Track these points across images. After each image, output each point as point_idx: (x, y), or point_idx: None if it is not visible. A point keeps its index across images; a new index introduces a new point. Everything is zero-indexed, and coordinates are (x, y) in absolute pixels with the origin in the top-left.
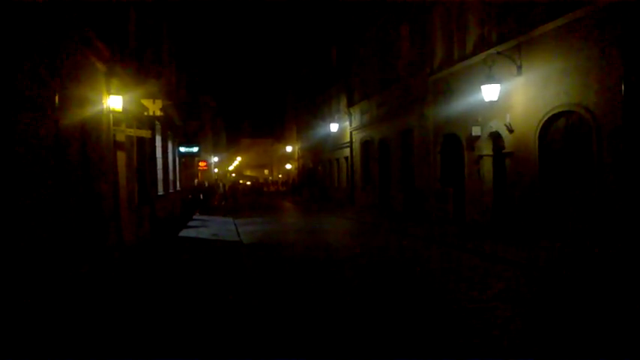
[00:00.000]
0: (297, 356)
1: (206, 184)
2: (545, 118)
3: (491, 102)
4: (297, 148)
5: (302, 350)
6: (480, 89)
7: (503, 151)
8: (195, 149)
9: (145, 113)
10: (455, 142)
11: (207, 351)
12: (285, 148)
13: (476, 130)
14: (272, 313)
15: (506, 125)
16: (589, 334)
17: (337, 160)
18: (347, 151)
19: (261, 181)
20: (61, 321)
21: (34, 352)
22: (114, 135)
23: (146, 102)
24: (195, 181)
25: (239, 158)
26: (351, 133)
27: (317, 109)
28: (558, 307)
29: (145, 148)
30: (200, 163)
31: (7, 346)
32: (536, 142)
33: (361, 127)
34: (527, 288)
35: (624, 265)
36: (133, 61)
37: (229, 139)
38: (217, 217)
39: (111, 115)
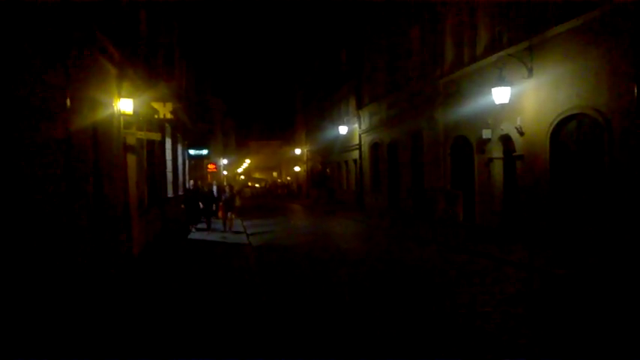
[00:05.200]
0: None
1: (205, 189)
2: (557, 121)
3: (502, 104)
4: (305, 150)
5: (311, 351)
6: (490, 92)
7: (514, 153)
8: (204, 152)
9: (156, 116)
10: (465, 144)
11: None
12: (293, 151)
13: (486, 133)
14: (286, 323)
15: (516, 128)
16: (598, 339)
17: (346, 162)
18: (356, 154)
19: (270, 182)
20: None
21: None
22: (124, 138)
23: (156, 105)
24: (191, 182)
25: (248, 160)
26: (360, 135)
27: (326, 111)
28: (569, 311)
29: (154, 150)
30: (209, 166)
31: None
32: (548, 144)
33: (370, 129)
34: (537, 292)
35: (638, 270)
36: (144, 64)
37: (238, 142)
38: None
39: (122, 118)
